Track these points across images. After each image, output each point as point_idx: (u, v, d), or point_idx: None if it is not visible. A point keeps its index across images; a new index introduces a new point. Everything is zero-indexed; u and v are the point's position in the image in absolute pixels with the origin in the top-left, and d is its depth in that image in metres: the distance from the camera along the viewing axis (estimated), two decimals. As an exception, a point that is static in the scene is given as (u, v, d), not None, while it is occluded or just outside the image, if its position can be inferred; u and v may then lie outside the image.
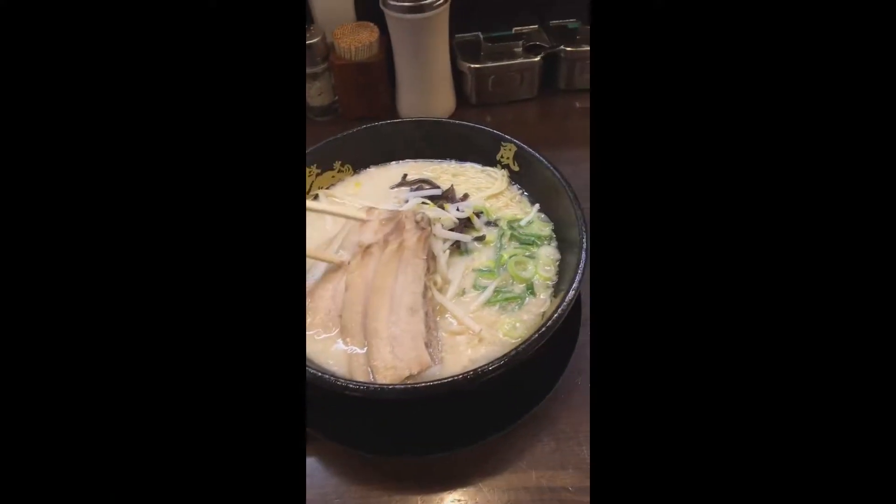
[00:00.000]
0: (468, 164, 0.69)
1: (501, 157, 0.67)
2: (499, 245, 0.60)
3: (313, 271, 0.56)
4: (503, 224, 0.62)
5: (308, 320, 0.52)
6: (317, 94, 0.88)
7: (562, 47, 0.87)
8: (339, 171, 0.69)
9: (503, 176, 0.67)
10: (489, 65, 0.86)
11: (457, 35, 0.88)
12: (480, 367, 0.45)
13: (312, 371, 0.46)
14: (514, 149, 0.65)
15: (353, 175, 0.70)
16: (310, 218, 0.65)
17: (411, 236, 0.54)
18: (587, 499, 0.49)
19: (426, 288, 0.53)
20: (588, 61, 0.87)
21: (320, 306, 0.52)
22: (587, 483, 0.50)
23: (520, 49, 0.87)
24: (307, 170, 0.65)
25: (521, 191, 0.66)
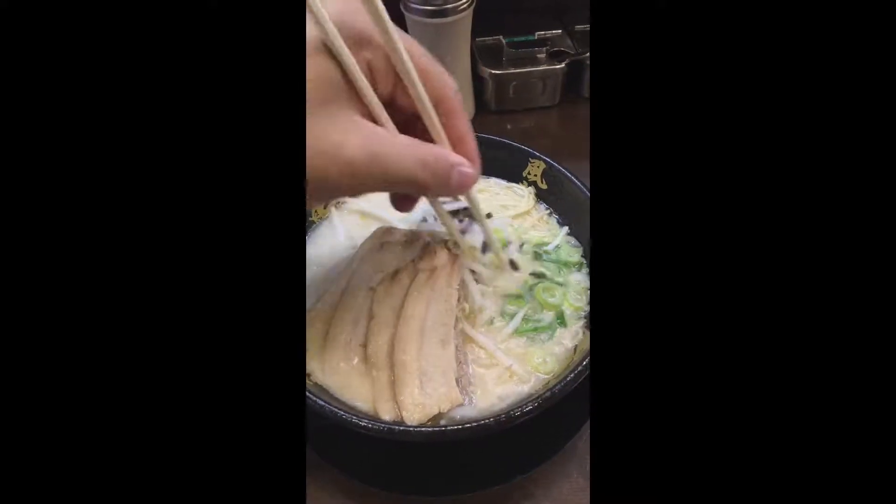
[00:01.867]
0: (493, 180, 0.66)
1: (528, 173, 0.64)
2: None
3: (330, 292, 0.54)
4: (529, 248, 0.59)
5: (329, 351, 0.50)
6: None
7: (587, 54, 0.84)
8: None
9: (530, 194, 0.64)
10: (511, 71, 0.83)
11: (477, 39, 0.84)
12: (514, 410, 0.43)
13: (334, 408, 0.43)
14: (543, 166, 0.62)
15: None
16: (322, 231, 0.62)
17: (443, 263, 0.52)
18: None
19: (457, 319, 0.50)
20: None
21: (341, 335, 0.50)
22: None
23: (543, 55, 0.83)
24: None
25: (548, 210, 0.64)
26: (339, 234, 0.62)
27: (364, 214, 0.63)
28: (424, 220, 0.62)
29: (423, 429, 0.44)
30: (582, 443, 0.52)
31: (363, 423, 0.43)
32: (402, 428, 0.43)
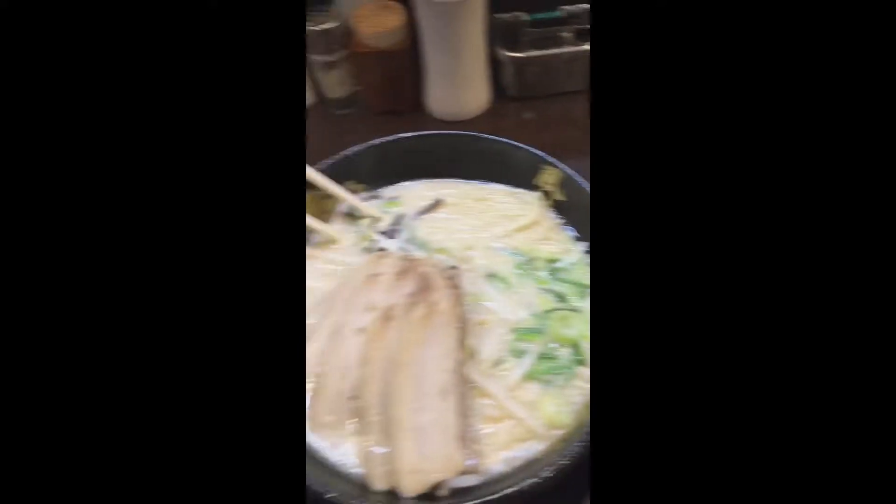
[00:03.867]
0: (497, 186, 0.59)
1: (542, 181, 0.56)
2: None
3: (314, 337, 0.48)
4: (539, 265, 0.53)
5: (315, 406, 0.44)
6: (335, 84, 0.78)
7: (618, 31, 0.74)
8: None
9: (536, 200, 0.57)
10: (532, 53, 0.74)
11: (494, 16, 0.75)
12: (528, 482, 0.37)
13: (317, 488, 0.38)
14: (560, 175, 0.55)
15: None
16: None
17: (443, 298, 0.46)
18: None
19: (459, 363, 0.44)
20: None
21: (328, 387, 0.44)
22: None
23: (568, 34, 0.74)
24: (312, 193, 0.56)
25: (561, 220, 0.56)
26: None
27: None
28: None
29: None
30: None
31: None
32: None
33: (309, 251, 0.55)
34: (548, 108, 0.78)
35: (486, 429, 0.44)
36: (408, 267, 0.49)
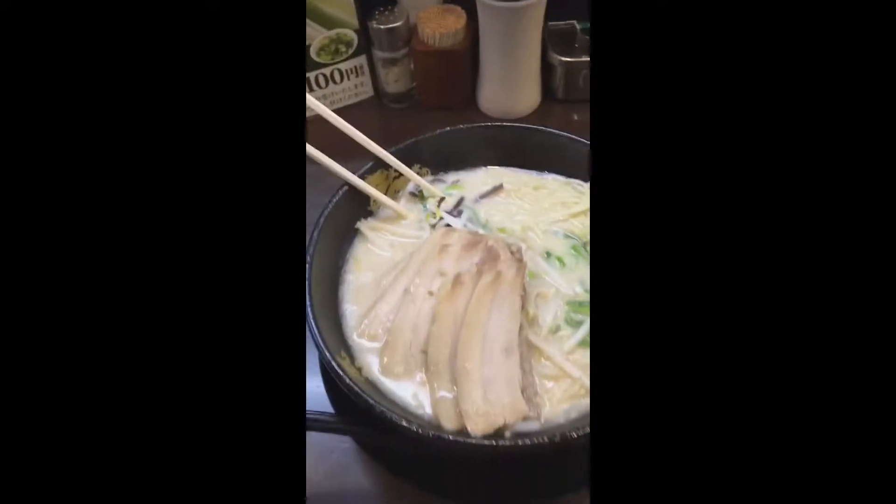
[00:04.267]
0: (550, 177, 0.64)
1: (598, 172, 0.61)
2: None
3: (387, 297, 0.52)
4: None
5: (387, 356, 0.49)
6: (394, 79, 0.83)
7: (664, 43, 0.79)
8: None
9: (589, 190, 0.61)
10: (583, 59, 0.79)
11: (550, 23, 0.80)
12: (581, 431, 0.41)
13: (394, 416, 0.42)
14: (616, 166, 0.59)
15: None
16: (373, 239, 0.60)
17: (508, 268, 0.50)
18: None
19: (521, 327, 0.48)
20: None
21: (400, 340, 0.49)
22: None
23: (618, 43, 0.79)
24: (385, 172, 0.61)
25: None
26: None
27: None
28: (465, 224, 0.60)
29: (486, 443, 0.42)
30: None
31: (421, 433, 0.42)
32: (463, 442, 0.42)
33: (378, 224, 0.60)
34: (593, 112, 0.83)
35: (545, 384, 0.48)
36: (476, 240, 0.53)
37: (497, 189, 0.62)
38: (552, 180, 0.64)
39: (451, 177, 0.65)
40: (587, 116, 0.80)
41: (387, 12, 0.78)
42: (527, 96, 0.82)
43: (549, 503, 0.48)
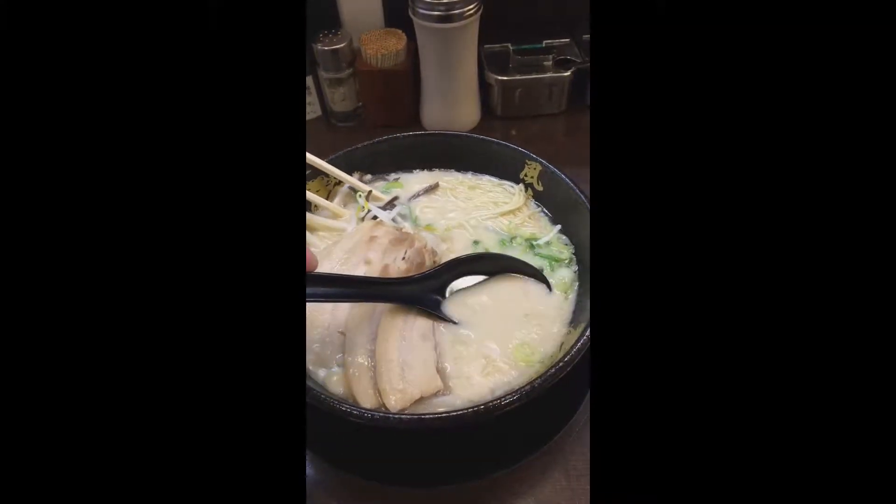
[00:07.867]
0: (485, 178, 0.68)
1: (525, 175, 0.64)
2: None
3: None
4: (520, 241, 0.60)
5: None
6: (340, 99, 0.87)
7: (593, 63, 0.84)
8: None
9: (520, 191, 0.65)
10: (517, 77, 0.84)
11: (485, 45, 0.86)
12: (493, 401, 0.43)
13: (318, 394, 0.44)
14: (539, 168, 0.63)
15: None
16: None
17: (431, 263, 0.52)
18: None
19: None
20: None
21: (318, 319, 0.50)
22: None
23: (549, 62, 0.84)
24: (325, 179, 0.64)
25: (539, 209, 0.64)
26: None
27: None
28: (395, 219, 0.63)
29: (402, 416, 0.44)
30: (567, 443, 0.52)
31: (344, 409, 0.43)
32: (381, 415, 0.44)
33: (317, 221, 0.62)
34: (529, 127, 0.87)
35: (461, 366, 0.50)
36: (403, 237, 0.56)
37: (433, 188, 0.66)
38: (487, 181, 0.67)
39: (393, 175, 0.68)
40: (525, 131, 0.85)
41: (331, 34, 0.82)
42: (467, 113, 0.86)
43: (482, 482, 0.49)
